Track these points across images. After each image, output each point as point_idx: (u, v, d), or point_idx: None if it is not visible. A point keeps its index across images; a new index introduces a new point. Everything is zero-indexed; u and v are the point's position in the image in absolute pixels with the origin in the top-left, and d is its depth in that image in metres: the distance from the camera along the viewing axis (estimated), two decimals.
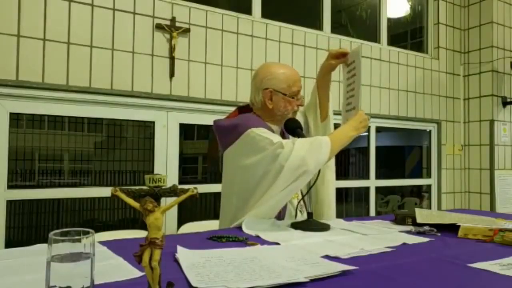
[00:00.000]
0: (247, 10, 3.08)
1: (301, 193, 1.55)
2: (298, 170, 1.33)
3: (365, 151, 3.83)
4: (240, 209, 1.46)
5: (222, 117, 1.70)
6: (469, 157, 4.20)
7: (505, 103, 4.06)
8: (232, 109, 3.04)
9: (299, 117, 1.68)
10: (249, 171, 1.44)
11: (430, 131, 4.16)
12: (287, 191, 1.37)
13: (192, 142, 3.65)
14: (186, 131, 3.27)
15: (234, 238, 1.17)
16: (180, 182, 2.76)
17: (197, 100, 2.76)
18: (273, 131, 1.57)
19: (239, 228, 1.33)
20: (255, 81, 1.62)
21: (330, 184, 1.69)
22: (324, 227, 1.33)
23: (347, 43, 3.52)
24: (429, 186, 4.18)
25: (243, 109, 1.69)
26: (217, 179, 2.89)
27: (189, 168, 3.54)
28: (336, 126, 1.61)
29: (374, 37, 3.85)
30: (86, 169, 3.13)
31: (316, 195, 1.69)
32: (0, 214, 2.18)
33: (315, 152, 1.35)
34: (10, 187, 2.25)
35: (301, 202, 1.53)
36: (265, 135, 1.42)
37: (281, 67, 1.64)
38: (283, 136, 1.60)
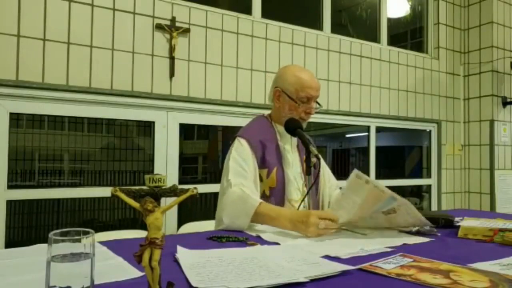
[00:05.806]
0: (247, 10, 3.08)
1: (303, 193, 1.55)
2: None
3: (365, 151, 3.83)
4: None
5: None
6: (469, 157, 4.20)
7: (505, 103, 4.06)
8: (232, 109, 3.05)
9: None
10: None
11: (430, 131, 4.16)
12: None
13: (192, 142, 3.64)
14: (186, 131, 3.27)
15: (234, 238, 1.17)
16: (180, 182, 2.76)
17: (197, 100, 2.76)
18: (277, 132, 1.60)
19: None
20: (274, 78, 1.67)
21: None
22: None
23: (347, 43, 3.51)
24: (429, 186, 4.18)
25: None
26: (217, 179, 2.88)
27: (189, 168, 3.53)
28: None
29: (374, 37, 3.85)
30: (86, 169, 3.12)
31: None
32: (0, 214, 2.19)
33: (237, 216, 1.36)
34: (10, 187, 2.25)
35: (302, 203, 1.53)
36: (237, 160, 1.48)
37: (299, 70, 1.61)
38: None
